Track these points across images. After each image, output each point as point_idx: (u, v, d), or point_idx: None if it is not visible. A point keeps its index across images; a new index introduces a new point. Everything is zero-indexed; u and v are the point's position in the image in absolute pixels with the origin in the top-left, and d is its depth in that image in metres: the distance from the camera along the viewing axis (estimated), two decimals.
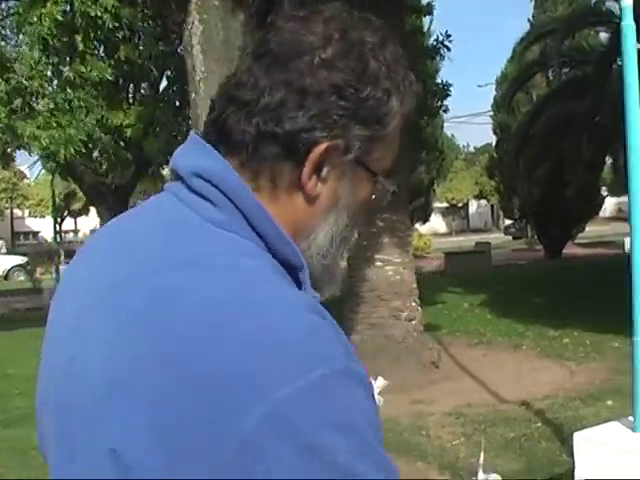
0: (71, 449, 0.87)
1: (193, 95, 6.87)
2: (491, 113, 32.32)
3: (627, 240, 4.90)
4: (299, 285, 0.91)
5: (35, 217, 54.08)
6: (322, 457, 0.73)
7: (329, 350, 0.78)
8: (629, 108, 4.70)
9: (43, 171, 25.40)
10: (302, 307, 0.82)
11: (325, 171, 0.91)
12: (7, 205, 50.78)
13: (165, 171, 21.37)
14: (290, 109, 0.89)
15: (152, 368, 0.79)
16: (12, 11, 14.82)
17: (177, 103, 16.03)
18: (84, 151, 13.71)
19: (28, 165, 34.45)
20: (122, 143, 15.36)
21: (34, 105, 13.96)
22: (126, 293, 0.86)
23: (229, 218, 0.88)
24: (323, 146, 0.90)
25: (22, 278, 29.84)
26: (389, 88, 0.92)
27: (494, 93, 31.39)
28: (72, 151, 13.12)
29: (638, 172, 4.79)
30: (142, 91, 17.86)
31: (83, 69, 13.05)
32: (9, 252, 40.42)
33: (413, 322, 9.03)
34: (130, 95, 17.36)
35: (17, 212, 54.76)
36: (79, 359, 0.87)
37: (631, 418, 4.71)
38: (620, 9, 4.66)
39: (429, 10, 16.17)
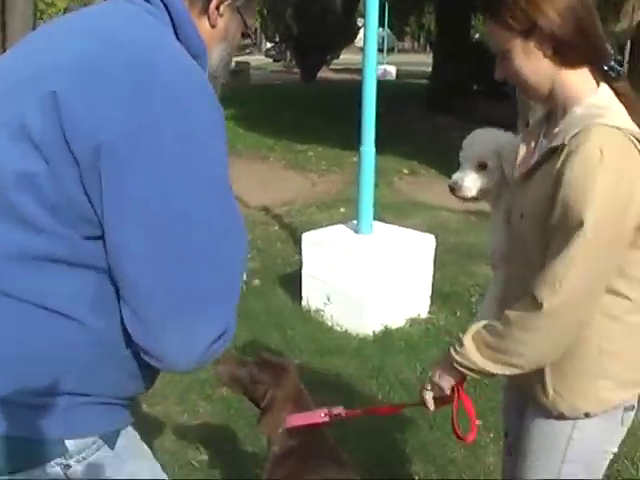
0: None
1: None
2: None
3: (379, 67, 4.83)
4: None
5: None
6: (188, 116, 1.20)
7: (206, 82, 1.28)
8: None
9: None
10: (196, 66, 1.30)
11: (222, 8, 1.41)
12: None
13: None
14: None
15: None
16: None
17: None
18: None
19: None
20: None
21: None
22: (82, 26, 1.34)
23: (159, 13, 1.34)
24: None
25: None
26: None
27: None
28: None
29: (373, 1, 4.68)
30: None
31: None
32: None
33: None
34: None
35: None
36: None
37: (355, 222, 4.81)
38: None
39: None
